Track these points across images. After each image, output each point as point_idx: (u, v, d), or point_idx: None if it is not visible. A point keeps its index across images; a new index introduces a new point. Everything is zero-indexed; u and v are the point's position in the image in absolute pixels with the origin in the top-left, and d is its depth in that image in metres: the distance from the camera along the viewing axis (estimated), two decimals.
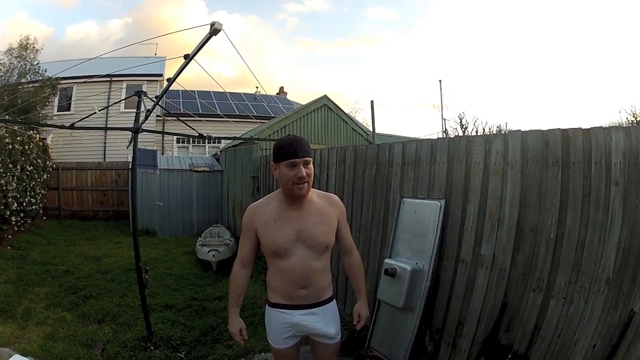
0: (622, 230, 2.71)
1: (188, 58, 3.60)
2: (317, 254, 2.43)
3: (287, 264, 2.41)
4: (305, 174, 2.28)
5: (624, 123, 12.11)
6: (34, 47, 16.27)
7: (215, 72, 45.41)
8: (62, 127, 5.59)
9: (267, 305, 2.63)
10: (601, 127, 2.88)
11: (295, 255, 2.39)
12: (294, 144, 2.30)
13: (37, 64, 16.15)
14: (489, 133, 13.21)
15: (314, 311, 2.50)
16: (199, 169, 12.46)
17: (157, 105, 5.20)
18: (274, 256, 2.45)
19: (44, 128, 15.50)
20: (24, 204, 10.46)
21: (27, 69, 15.87)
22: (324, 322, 2.53)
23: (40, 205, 12.03)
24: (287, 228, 2.39)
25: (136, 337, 4.87)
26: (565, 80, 39.32)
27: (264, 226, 2.42)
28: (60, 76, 14.81)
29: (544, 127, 3.20)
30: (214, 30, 3.01)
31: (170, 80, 4.26)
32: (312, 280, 2.45)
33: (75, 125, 5.26)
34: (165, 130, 17.61)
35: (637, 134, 2.68)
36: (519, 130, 3.39)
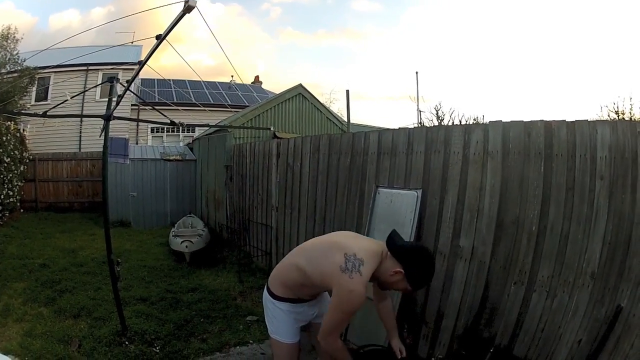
0: (607, 225, 2.58)
1: (160, 38, 3.31)
2: None
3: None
4: None
5: (607, 119, 12.10)
6: (14, 36, 15.62)
7: (194, 61, 44.33)
8: (34, 115, 5.32)
9: (275, 300, 2.56)
10: (586, 120, 2.73)
11: None
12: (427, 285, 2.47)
13: (17, 53, 15.49)
14: (466, 123, 13.17)
15: (318, 299, 2.65)
16: (171, 157, 12.02)
17: (131, 93, 4.91)
18: None
19: (19, 118, 14.92)
20: (2, 197, 10.02)
21: (7, 59, 15.21)
22: (325, 304, 2.64)
23: (18, 198, 11.52)
24: None
25: (111, 331, 4.66)
26: (546, 76, 39.56)
27: None
28: (39, 66, 14.30)
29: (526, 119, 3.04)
30: (188, 7, 2.78)
31: (142, 63, 3.98)
32: None
33: (48, 113, 5.00)
34: (140, 119, 17.10)
35: (624, 128, 2.54)
36: (500, 120, 3.21)
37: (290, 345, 2.54)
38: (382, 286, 2.42)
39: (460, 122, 13.92)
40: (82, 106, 16.64)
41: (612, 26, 34.06)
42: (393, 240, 2.39)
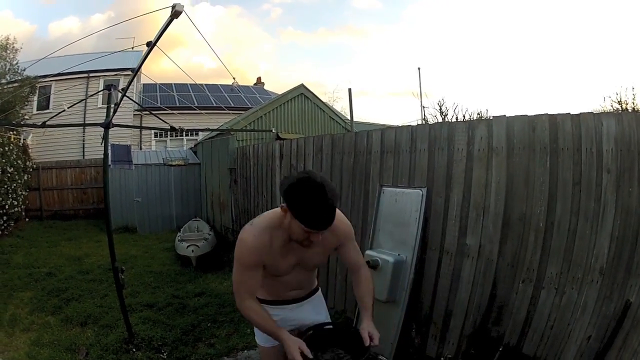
0: (615, 219, 2.55)
1: (150, 45, 3.30)
2: (309, 270, 2.36)
3: (283, 279, 2.28)
4: (320, 239, 2.00)
5: (610, 110, 11.99)
6: (13, 46, 15.65)
7: (196, 64, 44.48)
8: (33, 125, 5.40)
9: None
10: (591, 112, 2.70)
11: (291, 274, 2.26)
12: (322, 217, 1.90)
13: (17, 63, 15.50)
14: (470, 119, 13.06)
15: (302, 304, 2.41)
16: (174, 163, 12.06)
17: (129, 99, 4.92)
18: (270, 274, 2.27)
19: (17, 128, 15.01)
20: (7, 206, 10.11)
21: (6, 69, 15.23)
22: (313, 310, 2.44)
23: (23, 207, 11.61)
24: (291, 259, 2.19)
25: (118, 339, 4.67)
26: (547, 68, 39.27)
27: (270, 262, 2.16)
28: (39, 74, 14.33)
29: (530, 113, 3.01)
30: (175, 13, 2.78)
31: (135, 71, 3.99)
32: (302, 285, 2.39)
33: (47, 123, 5.03)
34: (142, 125, 17.12)
35: (629, 120, 2.52)
36: (504, 115, 3.19)
37: (266, 349, 2.40)
38: (300, 242, 2.06)
39: (464, 117, 13.73)
40: (84, 113, 16.66)
41: (613, 17, 33.87)
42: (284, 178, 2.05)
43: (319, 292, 2.55)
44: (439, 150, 3.70)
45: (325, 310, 2.53)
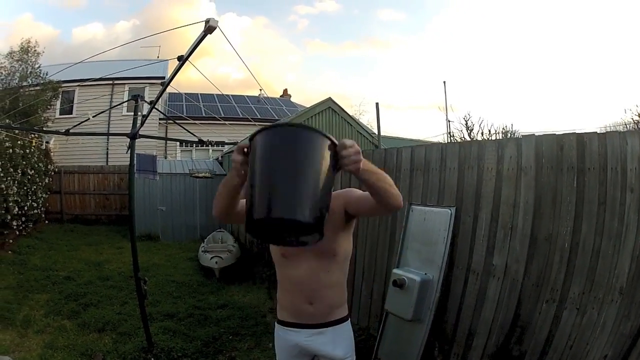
0: (637, 239, 2.70)
1: (182, 60, 3.48)
2: (326, 264, 2.26)
3: (295, 273, 2.28)
4: None
5: (630, 123, 12.04)
6: (35, 50, 16.20)
7: (223, 74, 45.48)
8: (56, 132, 5.59)
9: (276, 323, 2.51)
10: (617, 131, 2.88)
11: (303, 265, 2.25)
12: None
13: (39, 67, 16.07)
14: (495, 134, 13.14)
15: (322, 331, 2.34)
16: (200, 175, 12.38)
17: (156, 110, 5.12)
18: (282, 262, 2.32)
19: (40, 133, 15.52)
20: (26, 208, 10.55)
21: (28, 72, 15.82)
22: (332, 343, 2.35)
23: (42, 209, 12.12)
24: None
25: (136, 347, 4.81)
26: (569, 80, 39.48)
27: None
28: (62, 79, 14.80)
29: (553, 130, 3.22)
30: (209, 28, 2.91)
31: (165, 84, 4.19)
32: (320, 295, 2.30)
33: (71, 131, 5.21)
34: (168, 135, 17.55)
35: None
36: (533, 134, 3.38)
37: None
38: None
39: (490, 132, 13.84)
40: (109, 120, 17.16)
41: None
42: None
43: (347, 325, 2.45)
44: (468, 169, 3.88)
45: (347, 345, 2.42)
